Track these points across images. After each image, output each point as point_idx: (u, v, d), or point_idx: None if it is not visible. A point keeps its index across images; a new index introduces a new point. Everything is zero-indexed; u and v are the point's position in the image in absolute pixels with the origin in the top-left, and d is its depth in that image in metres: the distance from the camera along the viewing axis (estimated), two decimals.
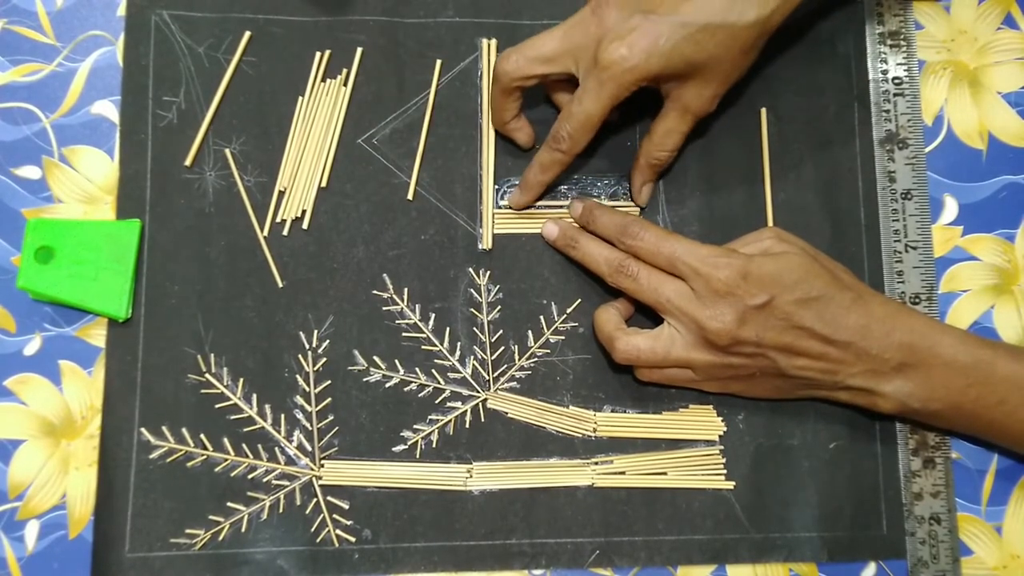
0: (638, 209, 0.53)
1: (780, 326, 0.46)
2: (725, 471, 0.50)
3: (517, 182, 0.53)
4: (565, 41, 0.48)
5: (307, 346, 0.50)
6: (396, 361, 0.51)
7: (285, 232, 0.51)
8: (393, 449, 0.50)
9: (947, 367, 0.46)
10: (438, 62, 0.53)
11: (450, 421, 0.50)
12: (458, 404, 0.50)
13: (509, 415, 0.50)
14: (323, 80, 0.53)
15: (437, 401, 0.50)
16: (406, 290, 0.51)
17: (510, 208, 0.52)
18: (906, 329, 0.46)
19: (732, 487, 0.50)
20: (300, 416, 0.50)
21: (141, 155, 0.51)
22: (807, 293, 0.46)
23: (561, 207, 0.52)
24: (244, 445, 0.49)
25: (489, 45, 0.53)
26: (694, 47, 0.46)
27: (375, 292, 0.51)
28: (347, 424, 0.50)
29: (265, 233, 0.51)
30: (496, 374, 0.51)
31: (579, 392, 0.51)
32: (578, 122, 0.47)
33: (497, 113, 0.51)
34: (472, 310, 0.51)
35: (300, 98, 0.52)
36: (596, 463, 0.50)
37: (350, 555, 0.49)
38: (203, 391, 0.50)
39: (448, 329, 0.51)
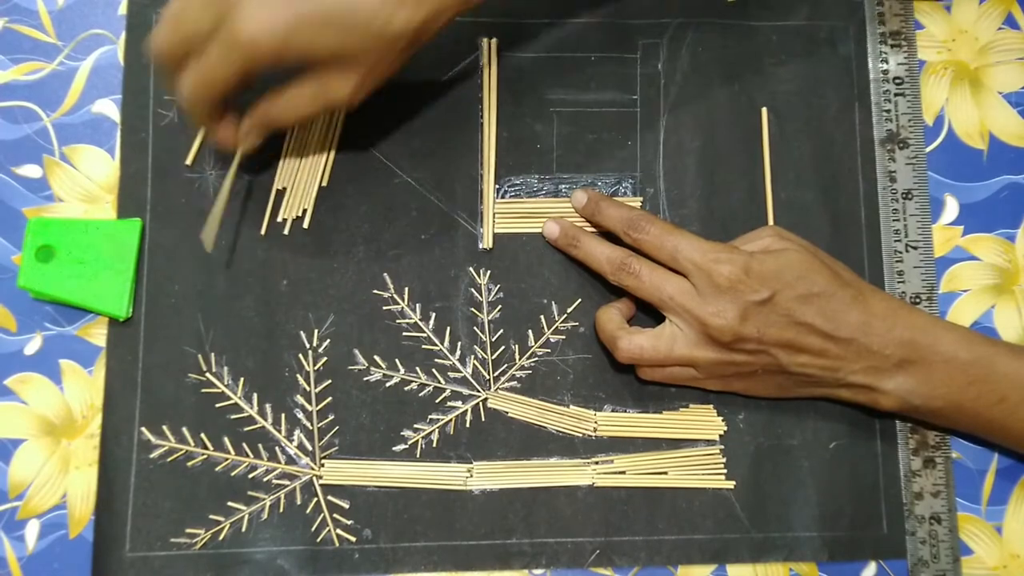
0: (639, 202, 0.53)
1: (782, 322, 0.46)
2: (725, 471, 0.50)
3: (518, 182, 0.53)
4: (227, 64, 0.43)
5: (307, 345, 0.50)
6: (396, 360, 0.51)
7: (285, 232, 0.51)
8: (393, 449, 0.50)
9: (948, 364, 0.46)
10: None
11: (450, 421, 0.50)
12: (458, 404, 0.50)
13: (509, 415, 0.50)
14: None
15: (437, 401, 0.50)
16: (406, 290, 0.51)
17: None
18: (907, 326, 0.46)
19: (732, 487, 0.50)
20: (300, 415, 0.50)
21: (142, 154, 0.51)
22: (808, 289, 0.46)
23: (563, 205, 0.53)
24: (244, 445, 0.49)
25: (489, 44, 0.53)
26: (325, 39, 0.42)
27: (375, 292, 0.51)
28: (347, 424, 0.50)
29: (264, 232, 0.51)
30: (496, 373, 0.51)
31: (579, 392, 0.51)
32: (197, 81, 0.44)
33: (197, 125, 0.48)
34: (472, 309, 0.51)
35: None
36: (596, 463, 0.50)
37: (350, 555, 0.49)
38: (203, 390, 0.50)
39: (448, 328, 0.51)
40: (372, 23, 0.42)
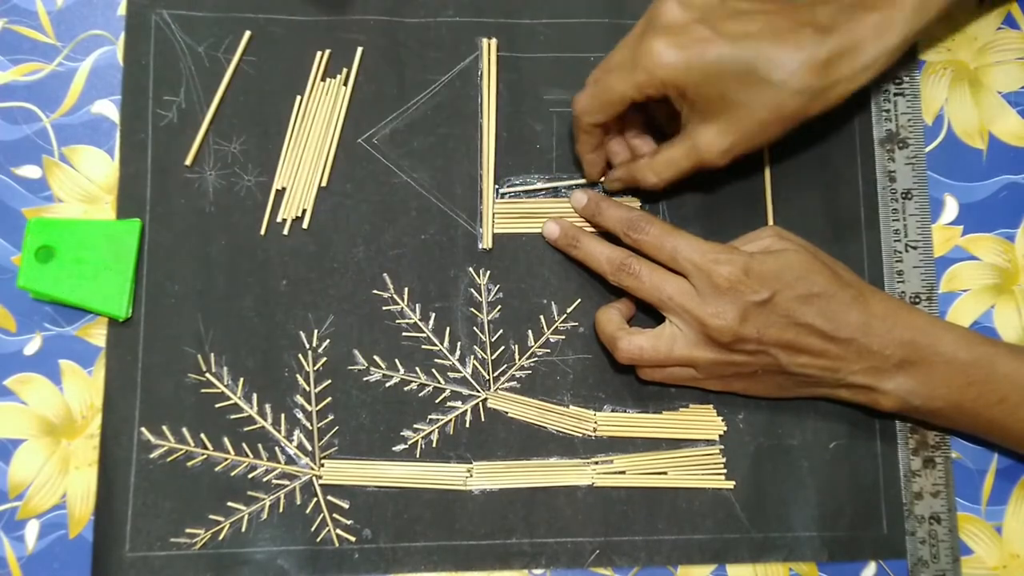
0: (638, 202, 0.53)
1: (782, 323, 0.46)
2: (725, 471, 0.50)
3: (517, 182, 0.53)
4: (629, 79, 0.46)
5: (307, 346, 0.50)
6: (396, 361, 0.51)
7: (285, 232, 0.51)
8: (393, 449, 0.50)
9: (948, 364, 0.46)
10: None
11: (450, 421, 0.50)
12: (458, 404, 0.50)
13: (509, 415, 0.50)
14: (323, 80, 0.53)
15: (437, 401, 0.50)
16: (406, 290, 0.51)
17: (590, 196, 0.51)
18: (907, 326, 0.46)
19: (732, 487, 0.50)
20: (300, 416, 0.50)
21: (141, 155, 0.51)
22: (808, 290, 0.46)
23: (562, 205, 0.53)
24: (244, 445, 0.49)
25: (489, 45, 0.53)
26: (734, 83, 0.45)
27: (375, 292, 0.51)
28: (347, 424, 0.50)
29: (264, 233, 0.51)
30: (496, 374, 0.51)
31: (579, 392, 0.51)
32: (597, 93, 0.47)
33: (576, 143, 0.51)
34: (472, 310, 0.51)
35: (299, 97, 0.52)
36: (596, 463, 0.50)
37: (350, 555, 0.49)
38: (203, 391, 0.50)
39: (448, 329, 0.51)
40: (779, 73, 0.44)
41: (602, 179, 0.52)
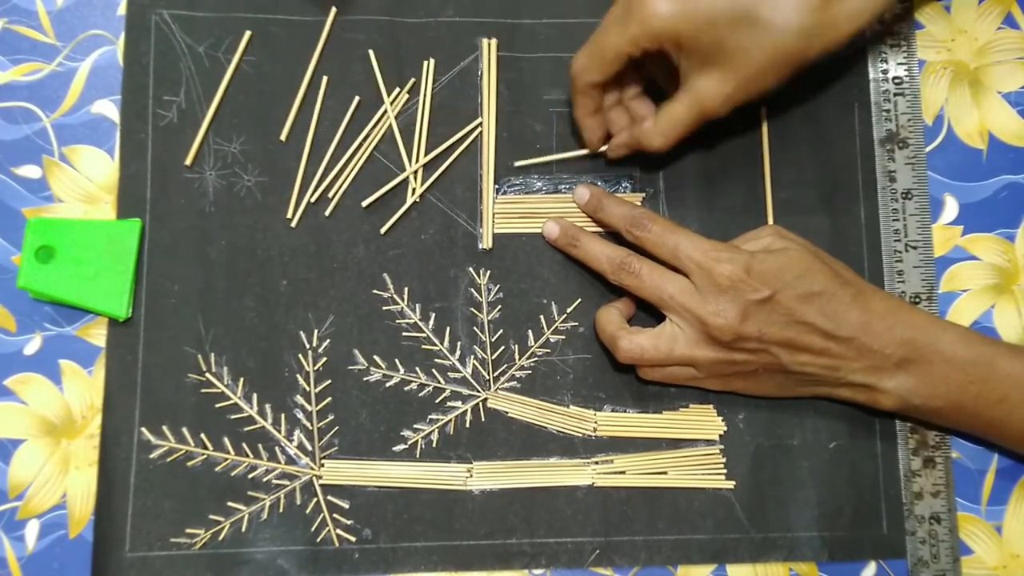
0: (640, 199, 0.53)
1: (782, 321, 0.46)
2: (725, 471, 0.50)
3: (517, 182, 0.53)
4: (624, 33, 0.45)
5: (307, 346, 0.50)
6: (396, 361, 0.51)
7: (287, 228, 0.51)
8: (393, 449, 0.50)
9: (948, 363, 0.46)
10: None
11: (450, 421, 0.50)
12: (458, 404, 0.50)
13: (509, 415, 0.50)
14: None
15: (437, 401, 0.50)
16: (406, 290, 0.51)
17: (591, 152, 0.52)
18: (907, 325, 0.46)
19: (732, 487, 0.50)
20: (300, 416, 0.50)
21: (141, 155, 0.51)
22: (809, 288, 0.46)
23: (562, 203, 0.53)
24: (244, 445, 0.49)
25: (489, 45, 0.54)
26: (730, 29, 0.44)
27: (375, 292, 0.51)
28: (347, 424, 0.50)
29: (266, 230, 0.51)
30: (496, 374, 0.51)
31: (579, 392, 0.51)
32: (593, 51, 0.47)
33: (574, 108, 0.50)
34: (472, 310, 0.51)
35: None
36: (596, 463, 0.50)
37: (350, 555, 0.49)
38: (203, 391, 0.50)
39: (448, 329, 0.51)
40: (774, 17, 0.43)
41: (604, 147, 0.52)
